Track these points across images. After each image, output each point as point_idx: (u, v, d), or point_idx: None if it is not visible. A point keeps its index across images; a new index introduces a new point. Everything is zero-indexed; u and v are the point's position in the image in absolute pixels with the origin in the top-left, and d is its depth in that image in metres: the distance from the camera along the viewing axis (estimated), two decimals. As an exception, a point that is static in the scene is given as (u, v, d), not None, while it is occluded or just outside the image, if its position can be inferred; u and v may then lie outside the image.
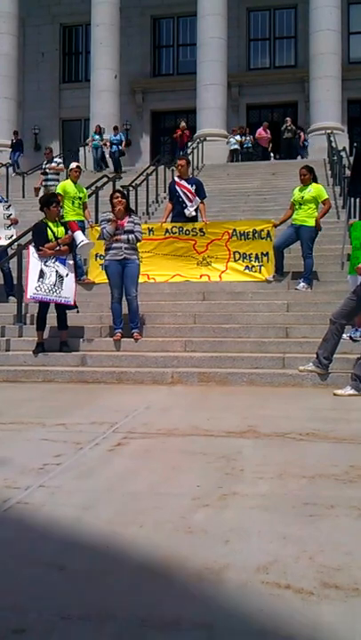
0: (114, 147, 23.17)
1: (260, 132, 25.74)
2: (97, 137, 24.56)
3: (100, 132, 24.88)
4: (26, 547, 2.74)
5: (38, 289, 7.95)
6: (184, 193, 10.11)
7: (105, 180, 14.11)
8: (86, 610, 2.20)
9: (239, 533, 2.83)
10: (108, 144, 23.65)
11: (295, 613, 2.16)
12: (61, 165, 15.74)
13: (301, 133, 25.76)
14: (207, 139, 24.37)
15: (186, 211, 10.08)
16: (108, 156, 23.68)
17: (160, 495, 3.38)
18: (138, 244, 8.26)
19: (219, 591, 2.32)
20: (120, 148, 23.21)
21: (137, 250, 8.25)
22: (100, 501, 3.29)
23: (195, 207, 10.13)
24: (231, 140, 25.47)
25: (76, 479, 3.67)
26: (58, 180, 14.66)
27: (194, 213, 10.18)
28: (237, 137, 25.52)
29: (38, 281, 7.97)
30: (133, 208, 9.88)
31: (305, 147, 25.67)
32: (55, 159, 16.09)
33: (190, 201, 10.09)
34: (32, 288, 7.98)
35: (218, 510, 3.12)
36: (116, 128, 24.33)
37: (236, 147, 25.43)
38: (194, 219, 10.23)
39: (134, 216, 8.35)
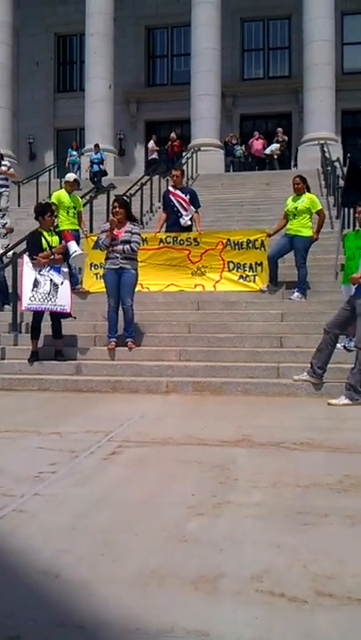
0: (95, 166, 21.97)
1: (256, 144, 25.93)
2: (74, 153, 23.99)
3: (77, 147, 24.36)
4: (21, 554, 2.75)
5: (32, 299, 7.98)
6: (179, 202, 10.16)
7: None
8: (81, 617, 2.21)
9: (233, 542, 2.84)
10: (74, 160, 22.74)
11: (289, 622, 2.17)
12: (12, 170, 13.62)
13: None
14: (201, 149, 24.46)
15: (181, 220, 10.13)
16: (87, 176, 22.33)
17: (155, 504, 3.40)
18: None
19: (213, 599, 2.33)
20: (101, 167, 22.09)
21: (135, 260, 8.27)
22: (95, 509, 3.30)
23: (190, 216, 10.18)
24: (236, 150, 25.63)
25: (71, 487, 3.67)
26: (8, 187, 13.80)
27: (189, 223, 10.22)
28: (242, 146, 25.71)
29: (32, 290, 8.00)
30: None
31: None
32: (4, 162, 13.28)
33: (185, 210, 10.14)
34: (26, 299, 8.01)
35: (212, 519, 3.14)
36: (97, 146, 22.73)
37: (240, 156, 25.58)
38: (188, 228, 10.26)
39: (133, 225, 8.31)
